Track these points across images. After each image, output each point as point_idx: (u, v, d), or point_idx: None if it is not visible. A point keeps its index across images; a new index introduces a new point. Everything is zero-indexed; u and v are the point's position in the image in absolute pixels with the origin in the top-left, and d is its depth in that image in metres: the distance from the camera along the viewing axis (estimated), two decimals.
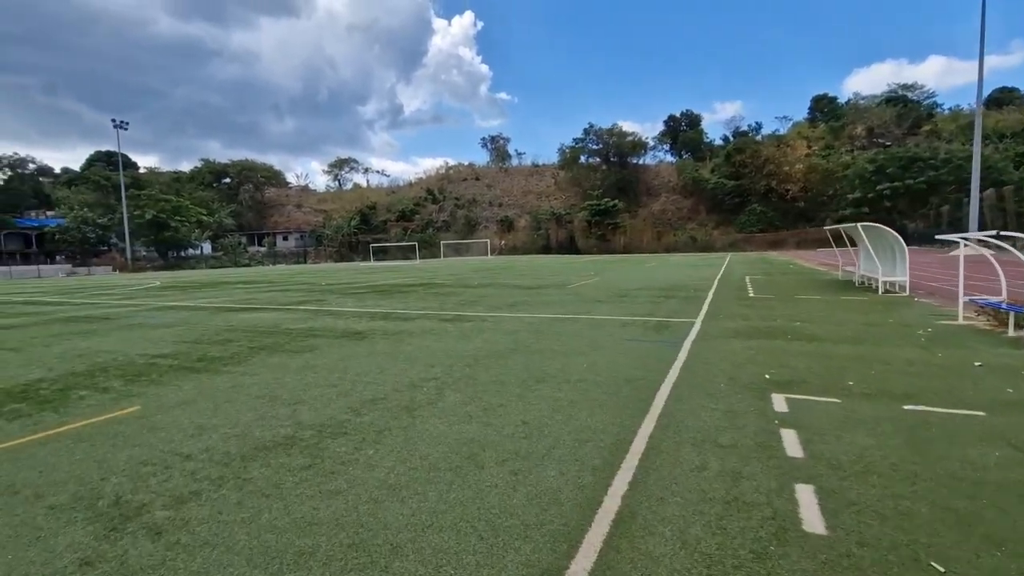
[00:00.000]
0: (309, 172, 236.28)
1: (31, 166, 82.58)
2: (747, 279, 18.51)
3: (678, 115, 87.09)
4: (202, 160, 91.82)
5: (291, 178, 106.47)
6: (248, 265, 67.66)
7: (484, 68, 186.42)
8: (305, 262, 74.57)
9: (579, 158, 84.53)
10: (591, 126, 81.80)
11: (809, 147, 71.47)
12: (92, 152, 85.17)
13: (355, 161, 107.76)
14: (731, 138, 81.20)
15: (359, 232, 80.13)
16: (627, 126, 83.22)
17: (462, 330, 8.68)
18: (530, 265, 36.46)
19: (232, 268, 61.14)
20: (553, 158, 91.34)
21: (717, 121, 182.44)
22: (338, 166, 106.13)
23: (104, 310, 13.91)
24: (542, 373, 5.63)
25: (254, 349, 7.47)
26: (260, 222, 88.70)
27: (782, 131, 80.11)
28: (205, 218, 67.67)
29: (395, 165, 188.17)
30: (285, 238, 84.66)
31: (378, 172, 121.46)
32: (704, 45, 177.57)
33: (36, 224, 65.81)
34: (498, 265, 37.91)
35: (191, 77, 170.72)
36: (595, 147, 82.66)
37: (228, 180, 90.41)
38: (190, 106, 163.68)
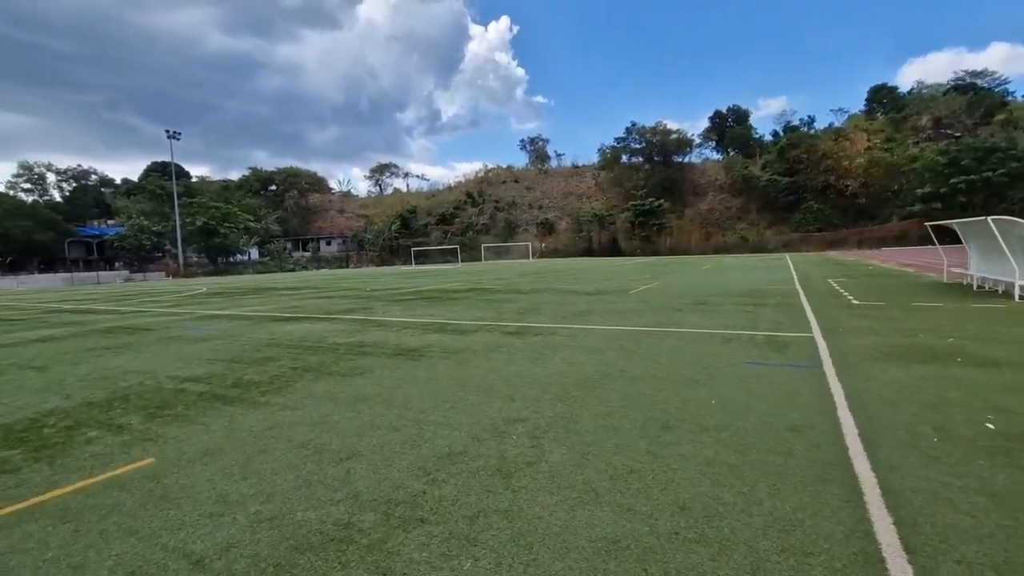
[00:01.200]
0: (351, 178, 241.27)
1: (93, 177, 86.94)
2: (831, 282, 16.54)
3: (724, 111, 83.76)
4: (250, 169, 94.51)
5: (333, 184, 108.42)
6: (292, 270, 68.77)
7: (520, 72, 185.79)
8: (347, 266, 75.34)
9: (621, 158, 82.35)
10: (633, 125, 79.60)
11: (869, 140, 67.11)
12: (149, 163, 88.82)
13: (395, 166, 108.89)
14: (781, 133, 77.36)
15: (399, 236, 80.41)
16: (670, 124, 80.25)
17: (532, 347, 7.42)
18: (577, 268, 34.99)
19: (278, 273, 62.14)
20: (593, 158, 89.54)
21: (763, 117, 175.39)
22: (379, 171, 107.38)
23: (147, 319, 13.37)
24: (663, 414, 4.28)
25: (297, 371, 6.41)
26: (304, 227, 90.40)
27: (837, 124, 75.74)
28: (252, 224, 69.15)
29: (433, 170, 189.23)
30: (328, 243, 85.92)
31: (418, 176, 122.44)
32: (745, 40, 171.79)
33: (97, 232, 68.81)
34: (544, 268, 36.59)
35: (240, 90, 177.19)
36: (637, 146, 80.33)
37: (274, 187, 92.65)
38: (239, 117, 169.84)
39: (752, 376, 5.39)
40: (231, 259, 69.79)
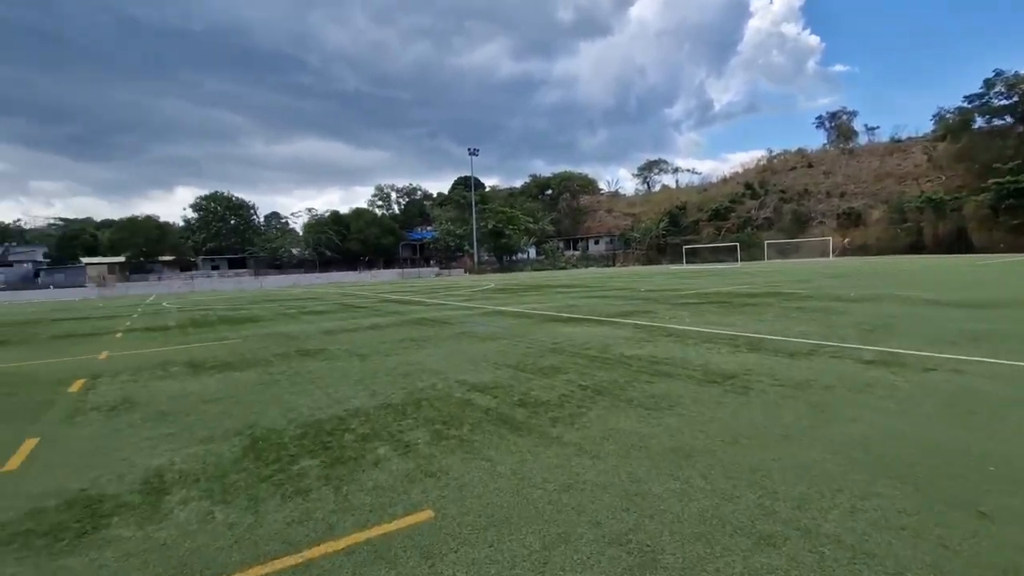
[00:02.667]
0: (618, 178, 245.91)
1: (419, 193, 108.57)
2: None
3: None
4: (530, 176, 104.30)
5: (602, 185, 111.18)
6: (564, 268, 72.80)
7: (814, 40, 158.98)
8: (613, 264, 76.04)
9: (973, 122, 61.63)
10: (997, 75, 58.46)
11: None
12: (456, 178, 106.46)
13: (664, 162, 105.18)
14: None
15: (667, 234, 77.18)
16: None
17: (932, 391, 4.71)
18: (910, 269, 26.76)
19: (551, 271, 66.50)
20: (923, 128, 69.55)
21: None
22: (647, 169, 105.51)
23: (447, 312, 14.68)
24: None
25: (587, 392, 5.28)
26: (575, 227, 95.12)
27: None
28: (531, 226, 75.80)
29: (703, 164, 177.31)
30: (596, 242, 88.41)
31: (688, 171, 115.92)
32: None
33: (419, 237, 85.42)
34: (856, 268, 29.22)
35: (523, 107, 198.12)
36: (1004, 102, 58.79)
37: (550, 191, 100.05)
38: (522, 132, 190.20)
39: None
40: (513, 257, 78.02)
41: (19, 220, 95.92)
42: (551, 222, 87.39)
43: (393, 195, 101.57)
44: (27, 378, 7.61)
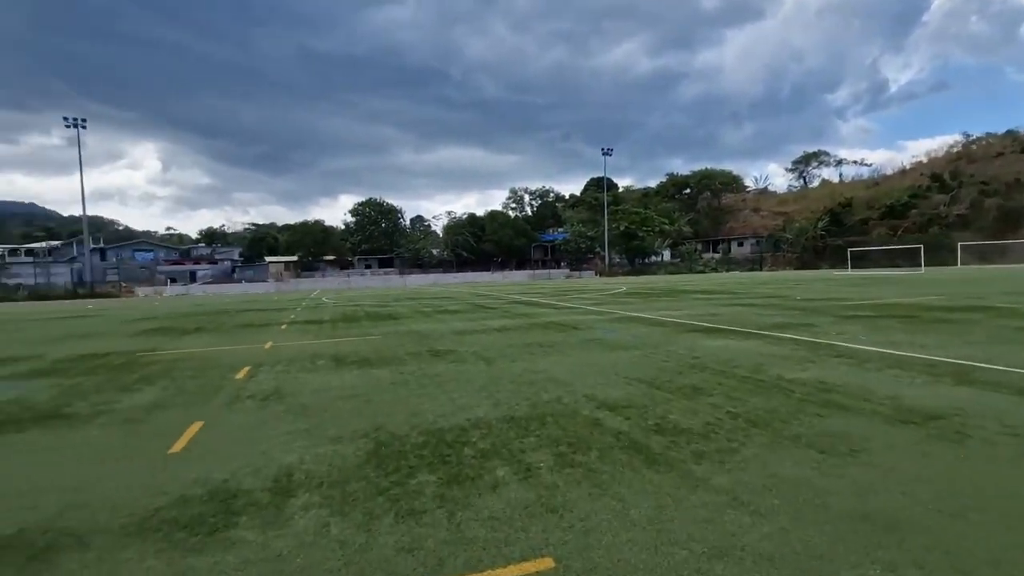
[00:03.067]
0: (767, 174, 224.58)
1: (551, 195, 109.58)
2: None
3: None
4: (667, 174, 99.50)
5: (748, 182, 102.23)
6: (702, 271, 68.18)
7: None
8: (760, 269, 69.42)
9: None
10: None
11: None
12: (588, 179, 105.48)
13: (825, 153, 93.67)
14: None
15: (827, 235, 68.36)
16: None
17: None
18: None
19: (687, 274, 62.69)
20: None
21: None
22: (803, 162, 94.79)
23: (576, 316, 14.24)
24: None
25: (738, 422, 4.48)
26: (715, 229, 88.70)
27: None
28: (666, 227, 72.23)
29: (873, 155, 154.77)
30: (740, 244, 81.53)
31: (855, 163, 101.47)
32: None
33: (550, 238, 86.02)
34: None
35: (659, 104, 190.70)
36: None
37: (688, 190, 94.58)
38: (658, 130, 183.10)
39: None
40: (646, 260, 75.01)
41: (223, 225, 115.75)
42: (688, 223, 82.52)
43: (526, 197, 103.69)
44: (211, 363, 8.73)
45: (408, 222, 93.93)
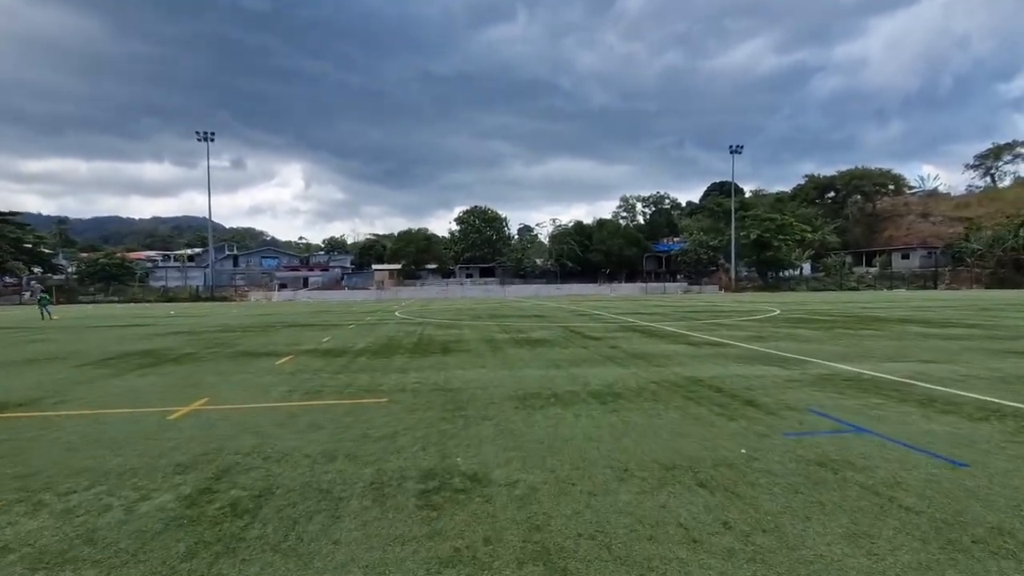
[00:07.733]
0: (925, 176, 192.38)
1: (666, 202, 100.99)
2: None
3: None
4: (806, 176, 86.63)
5: (912, 182, 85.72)
6: (855, 288, 56.71)
7: None
8: (935, 287, 56.23)
9: None
10: None
11: None
12: (708, 184, 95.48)
13: (1022, 145, 75.35)
14: None
15: None
16: None
17: None
18: None
19: (835, 291, 52.19)
20: None
21: None
22: (990, 156, 77.17)
23: (735, 370, 8.67)
24: None
25: None
26: (869, 238, 74.84)
27: None
28: (808, 235, 61.48)
29: None
30: (904, 256, 67.54)
31: None
32: None
33: (665, 249, 78.15)
34: None
35: (786, 104, 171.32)
36: None
37: (832, 194, 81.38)
38: (785, 132, 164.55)
39: None
40: (780, 274, 64.53)
41: (343, 235, 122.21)
42: (835, 231, 70.23)
43: (638, 205, 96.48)
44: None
45: (515, 231, 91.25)
